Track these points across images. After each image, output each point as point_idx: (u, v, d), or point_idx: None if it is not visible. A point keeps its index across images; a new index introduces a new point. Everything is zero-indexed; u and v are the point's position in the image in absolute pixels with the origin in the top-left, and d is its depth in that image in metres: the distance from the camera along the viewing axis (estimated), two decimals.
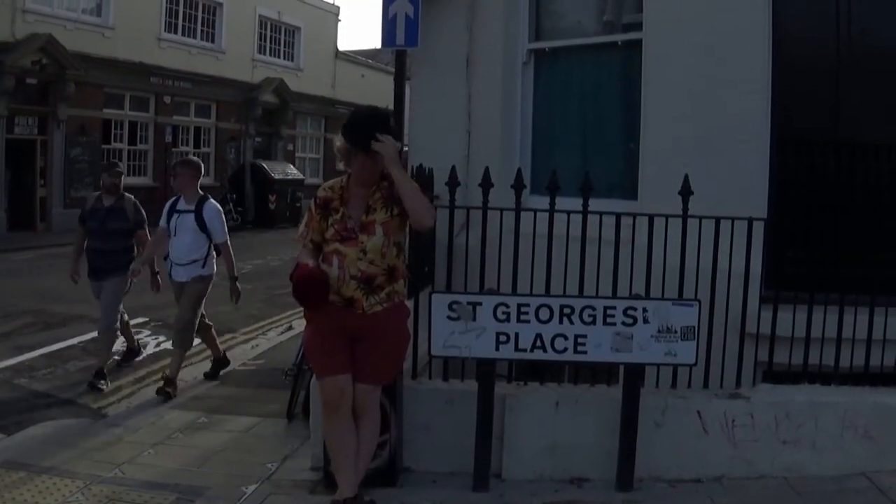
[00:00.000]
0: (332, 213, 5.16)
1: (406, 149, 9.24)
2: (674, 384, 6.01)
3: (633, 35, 7.66)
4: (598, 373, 6.15)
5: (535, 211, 6.02)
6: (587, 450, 5.80)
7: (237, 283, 9.21)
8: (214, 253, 9.00)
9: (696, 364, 5.65)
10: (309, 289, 5.00)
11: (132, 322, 10.19)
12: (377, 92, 34.40)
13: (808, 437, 5.85)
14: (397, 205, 5.08)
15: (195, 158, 9.97)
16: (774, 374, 6.30)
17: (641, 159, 7.36)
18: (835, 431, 5.87)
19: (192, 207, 8.81)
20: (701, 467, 5.82)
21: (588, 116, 8.19)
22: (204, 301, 9.00)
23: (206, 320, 9.37)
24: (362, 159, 5.04)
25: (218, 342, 9.71)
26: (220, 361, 9.57)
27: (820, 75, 7.16)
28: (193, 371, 9.76)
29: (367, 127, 5.04)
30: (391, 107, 9.51)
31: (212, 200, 9.01)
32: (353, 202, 5.16)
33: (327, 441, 5.37)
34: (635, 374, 5.62)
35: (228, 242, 9.04)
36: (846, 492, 5.64)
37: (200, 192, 8.99)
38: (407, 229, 5.27)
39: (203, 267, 8.86)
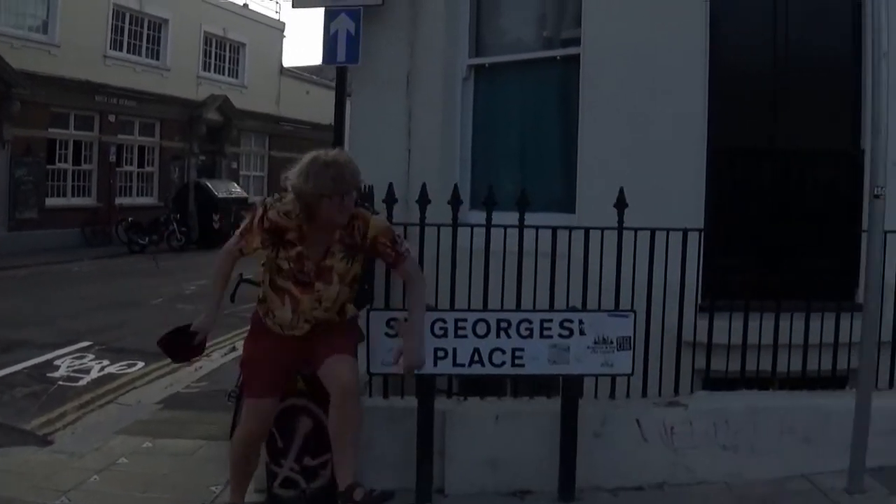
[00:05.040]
0: (286, 245, 4.86)
1: None
2: (612, 394, 6.06)
3: (571, 50, 7.71)
4: (540, 386, 6.19)
5: (472, 226, 6.06)
6: (529, 462, 5.83)
7: None
8: None
9: (632, 374, 5.71)
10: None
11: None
12: (321, 108, 34.33)
13: (747, 442, 5.95)
14: (358, 256, 4.98)
15: None
16: (713, 381, 6.40)
17: (579, 173, 7.41)
18: (774, 435, 5.97)
19: None
20: (642, 475, 5.88)
21: (527, 131, 8.24)
22: None
23: None
24: (336, 205, 4.70)
25: None
26: None
27: (756, 86, 7.34)
28: (138, 395, 9.72)
29: (352, 176, 4.76)
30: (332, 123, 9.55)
31: None
32: (312, 240, 4.87)
33: (231, 457, 5.35)
34: (573, 386, 5.67)
35: None
36: (787, 494, 5.76)
37: None
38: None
39: None
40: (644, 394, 6.10)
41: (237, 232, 4.98)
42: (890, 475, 5.86)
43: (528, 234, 5.95)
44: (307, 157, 4.81)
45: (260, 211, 4.90)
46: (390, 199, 5.98)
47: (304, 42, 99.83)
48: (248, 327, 5.29)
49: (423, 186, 6.03)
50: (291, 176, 4.77)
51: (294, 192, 4.76)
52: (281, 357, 5.04)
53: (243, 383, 5.52)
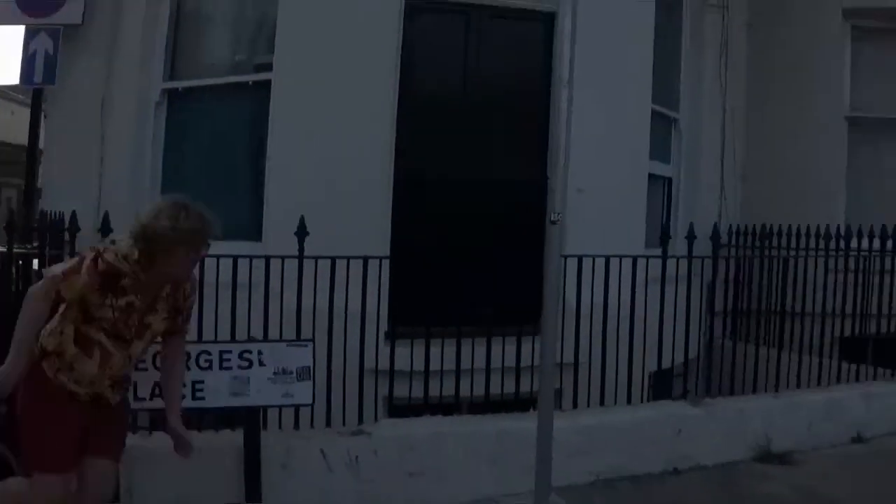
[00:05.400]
0: (117, 293, 4.23)
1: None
2: (297, 425, 6.05)
3: (263, 76, 7.72)
4: (228, 418, 6.06)
5: None
6: (216, 497, 5.67)
7: None
8: None
9: (313, 403, 5.68)
10: None
11: None
12: (27, 130, 32.57)
13: (434, 468, 6.03)
14: (176, 318, 4.57)
15: None
16: (400, 409, 6.50)
17: (266, 200, 7.42)
18: (460, 460, 6.11)
19: None
20: None
21: (219, 157, 8.17)
22: None
23: None
24: (185, 259, 4.29)
25: None
26: None
27: (446, 116, 7.71)
28: None
29: (212, 232, 4.32)
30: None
31: None
32: (144, 292, 4.31)
33: None
34: (254, 417, 5.62)
35: None
36: None
37: None
38: None
39: None
40: (328, 423, 6.11)
41: (52, 274, 4.31)
42: (575, 493, 6.16)
43: (210, 263, 5.84)
44: (169, 200, 4.31)
45: (92, 254, 4.24)
46: (73, 229, 5.80)
47: (13, 59, 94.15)
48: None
49: (106, 215, 5.85)
50: (146, 216, 4.22)
51: (143, 234, 4.19)
52: (74, 424, 4.38)
53: (29, 457, 4.55)
